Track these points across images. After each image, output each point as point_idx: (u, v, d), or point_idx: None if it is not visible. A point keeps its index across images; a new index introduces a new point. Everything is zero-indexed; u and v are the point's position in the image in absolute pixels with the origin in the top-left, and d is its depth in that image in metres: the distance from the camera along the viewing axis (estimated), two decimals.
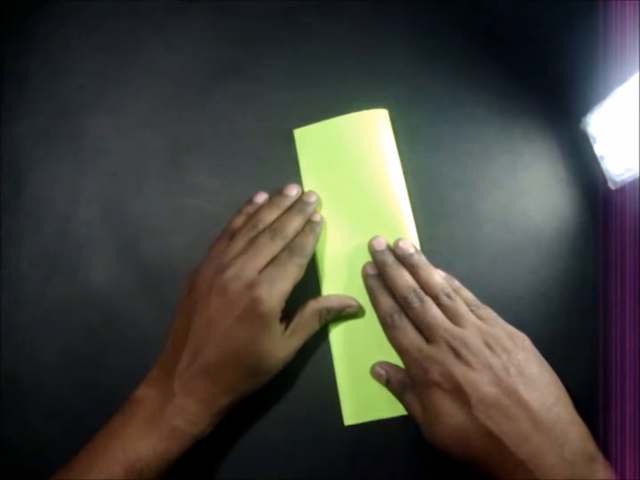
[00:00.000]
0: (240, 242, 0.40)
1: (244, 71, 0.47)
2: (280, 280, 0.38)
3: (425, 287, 0.39)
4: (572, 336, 0.43)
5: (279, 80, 0.47)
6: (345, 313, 0.42)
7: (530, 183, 0.45)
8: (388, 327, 0.39)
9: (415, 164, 0.45)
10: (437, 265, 0.43)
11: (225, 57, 0.47)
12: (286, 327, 0.39)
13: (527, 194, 0.45)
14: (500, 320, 0.39)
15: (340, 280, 0.43)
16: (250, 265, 0.38)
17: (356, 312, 0.42)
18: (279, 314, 0.38)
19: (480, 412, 0.34)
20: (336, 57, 0.47)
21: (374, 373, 0.41)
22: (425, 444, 0.37)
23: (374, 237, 0.42)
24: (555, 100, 0.46)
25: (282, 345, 0.38)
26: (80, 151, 0.46)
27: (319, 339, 0.43)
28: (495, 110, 0.46)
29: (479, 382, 0.35)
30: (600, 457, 0.34)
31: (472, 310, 0.39)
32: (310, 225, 0.42)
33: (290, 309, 0.40)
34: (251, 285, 0.37)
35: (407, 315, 0.39)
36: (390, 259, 0.41)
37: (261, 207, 0.43)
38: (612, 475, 0.34)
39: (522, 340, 0.38)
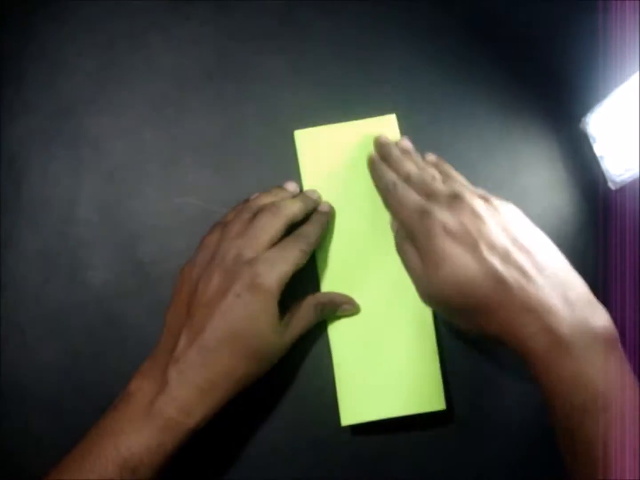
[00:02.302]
0: (236, 226, 0.39)
1: (244, 71, 0.47)
2: (281, 263, 0.37)
3: (424, 174, 0.41)
4: None
5: (279, 80, 0.46)
6: (342, 311, 0.42)
7: (530, 183, 0.45)
8: (390, 190, 0.40)
9: None
10: None
11: (225, 56, 0.47)
12: (283, 318, 0.39)
13: (527, 194, 0.45)
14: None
15: (339, 281, 0.43)
16: (250, 245, 0.37)
17: (354, 312, 0.42)
18: (278, 296, 0.37)
19: (489, 256, 0.35)
20: (336, 57, 0.47)
21: (393, 225, 0.43)
22: (426, 445, 0.37)
23: (381, 135, 0.44)
24: (555, 100, 0.46)
25: (279, 332, 0.38)
26: (80, 151, 0.46)
27: (318, 339, 0.43)
28: (495, 111, 0.46)
29: (486, 228, 0.36)
30: (600, 304, 0.35)
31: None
32: (318, 215, 0.42)
33: (289, 305, 0.40)
34: (252, 264, 0.37)
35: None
36: (396, 151, 0.43)
37: (256, 195, 0.42)
38: (611, 321, 0.34)
39: (514, 207, 0.39)
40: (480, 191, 0.39)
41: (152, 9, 0.48)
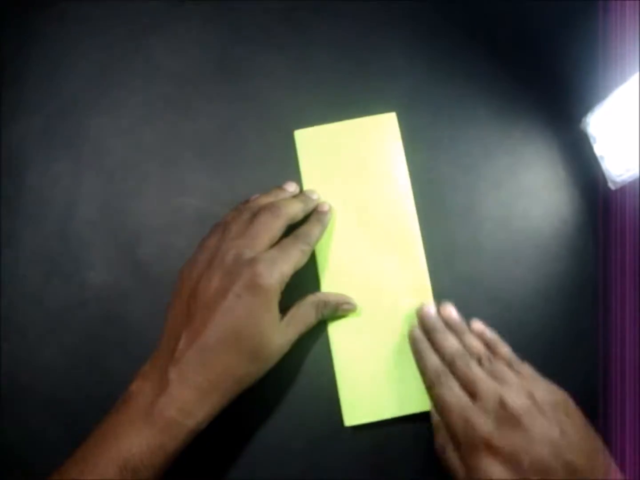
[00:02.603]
0: (236, 226, 0.39)
1: (244, 71, 0.47)
2: (281, 262, 0.37)
3: (468, 351, 0.39)
4: (572, 336, 0.43)
5: (279, 80, 0.46)
6: (342, 310, 0.42)
7: (530, 183, 0.45)
8: (435, 385, 0.38)
9: (415, 165, 0.45)
10: (437, 265, 0.43)
11: (225, 56, 0.47)
12: (283, 318, 0.39)
13: (527, 194, 0.45)
14: (539, 376, 0.38)
15: (339, 281, 0.43)
16: (250, 245, 0.37)
17: (354, 312, 0.42)
18: (278, 295, 0.37)
19: (532, 475, 0.33)
20: (336, 57, 0.47)
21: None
22: (425, 445, 0.37)
23: (425, 305, 0.42)
24: (555, 100, 0.46)
25: (279, 332, 0.38)
26: (80, 151, 0.46)
27: (318, 340, 0.43)
28: (495, 111, 0.46)
29: (530, 443, 0.34)
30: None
31: (511, 367, 0.38)
32: (318, 215, 0.42)
33: (289, 305, 0.40)
34: (251, 264, 0.37)
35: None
36: (439, 324, 0.41)
37: (255, 196, 0.42)
38: None
39: (565, 400, 0.36)
40: (526, 379, 0.37)
41: (152, 9, 0.48)
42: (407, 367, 0.42)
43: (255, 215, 0.39)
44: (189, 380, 0.35)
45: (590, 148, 0.45)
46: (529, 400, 0.35)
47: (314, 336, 0.42)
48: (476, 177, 0.44)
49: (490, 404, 0.35)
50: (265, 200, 0.41)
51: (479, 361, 0.38)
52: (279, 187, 0.43)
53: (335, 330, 0.42)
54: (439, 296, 0.43)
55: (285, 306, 0.39)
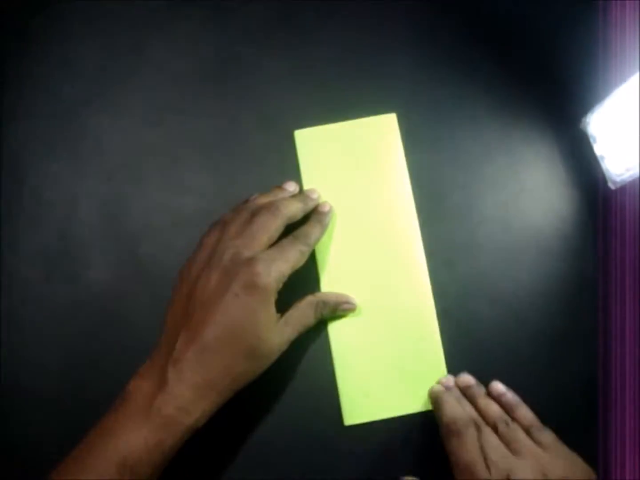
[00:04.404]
0: (235, 225, 0.39)
1: (244, 71, 0.47)
2: (279, 261, 0.37)
3: (484, 416, 0.39)
4: (572, 335, 0.43)
5: (279, 80, 0.46)
6: (342, 309, 0.42)
7: (530, 183, 0.45)
8: (453, 434, 0.37)
9: (415, 165, 0.45)
10: (437, 265, 0.43)
11: (225, 56, 0.47)
12: (282, 317, 0.39)
13: (527, 194, 0.45)
14: (561, 447, 0.37)
15: (339, 281, 0.43)
16: (249, 244, 0.38)
17: (354, 311, 0.42)
18: (275, 294, 0.37)
19: None
20: (336, 57, 0.47)
21: None
22: (426, 445, 0.37)
23: (464, 377, 0.41)
24: (555, 100, 0.46)
25: (277, 330, 0.38)
26: (80, 151, 0.46)
27: (318, 339, 0.43)
28: (495, 111, 0.46)
29: None
30: None
31: (531, 433, 0.37)
32: (318, 216, 0.42)
33: (289, 304, 0.40)
34: (250, 263, 0.37)
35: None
36: (478, 390, 0.40)
37: (255, 196, 0.42)
38: None
39: (582, 476, 0.35)
40: (545, 449, 0.36)
41: (152, 9, 0.48)
42: (407, 367, 0.42)
43: (254, 214, 0.39)
44: (187, 378, 0.35)
45: (590, 148, 0.45)
46: (539, 477, 0.34)
47: (314, 336, 0.42)
48: (476, 177, 0.44)
49: (499, 476, 0.34)
50: (264, 199, 0.41)
51: (495, 427, 0.38)
52: (279, 186, 0.43)
53: (335, 330, 0.42)
54: (439, 296, 0.43)
55: (284, 306, 0.39)
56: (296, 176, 0.45)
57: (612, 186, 0.44)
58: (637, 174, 0.41)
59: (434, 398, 0.40)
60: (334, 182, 0.44)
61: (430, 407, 0.41)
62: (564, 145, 0.45)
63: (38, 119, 0.46)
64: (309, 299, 0.41)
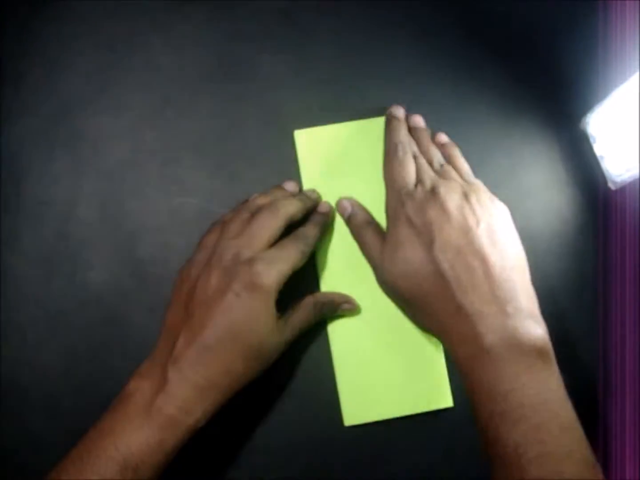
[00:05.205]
0: (235, 225, 0.39)
1: (244, 71, 0.47)
2: (279, 261, 0.38)
3: (424, 154, 0.42)
4: (572, 336, 0.43)
5: (279, 80, 0.46)
6: (342, 309, 0.42)
7: (530, 183, 0.45)
8: (392, 155, 0.41)
9: None
10: None
11: (225, 56, 0.47)
12: (282, 317, 0.39)
13: (527, 194, 0.45)
14: (487, 192, 0.40)
15: (339, 281, 0.43)
16: (249, 244, 0.38)
17: (354, 311, 0.42)
18: (276, 294, 0.37)
19: (440, 253, 0.36)
20: (336, 57, 0.47)
21: (339, 207, 0.43)
22: (426, 445, 0.37)
23: (414, 117, 0.44)
24: (555, 100, 0.46)
25: (277, 330, 0.38)
26: (80, 151, 0.46)
27: (319, 339, 0.43)
28: (495, 111, 0.46)
29: (448, 227, 0.37)
30: (542, 321, 0.36)
31: (463, 177, 0.41)
32: (317, 216, 0.42)
33: (288, 304, 0.40)
34: (250, 263, 0.37)
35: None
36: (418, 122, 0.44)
37: (255, 195, 0.42)
38: (547, 337, 0.35)
39: (502, 209, 0.39)
40: (471, 185, 0.40)
41: (152, 9, 0.48)
42: (407, 367, 0.42)
43: (254, 214, 0.39)
44: (188, 378, 0.35)
45: (590, 148, 0.45)
46: (462, 198, 0.38)
47: (314, 336, 0.43)
48: (476, 177, 0.44)
49: (423, 193, 0.38)
50: (264, 199, 0.41)
51: (431, 164, 0.41)
52: (279, 186, 0.43)
53: (335, 330, 0.42)
54: None
55: (284, 306, 0.39)
56: (296, 176, 0.45)
57: (612, 186, 0.44)
58: (637, 174, 0.41)
59: (387, 121, 0.44)
60: (334, 182, 0.44)
61: (430, 408, 0.41)
62: (564, 145, 0.45)
63: (37, 119, 0.46)
64: (309, 299, 0.41)
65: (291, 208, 0.40)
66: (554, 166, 0.45)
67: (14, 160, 0.46)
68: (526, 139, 0.46)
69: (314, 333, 0.42)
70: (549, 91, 0.46)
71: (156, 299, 0.43)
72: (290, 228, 0.40)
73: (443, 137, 0.44)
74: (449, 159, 0.43)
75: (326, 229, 0.43)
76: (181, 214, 0.45)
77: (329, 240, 0.44)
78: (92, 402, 0.39)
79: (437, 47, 0.47)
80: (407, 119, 0.44)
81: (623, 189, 0.43)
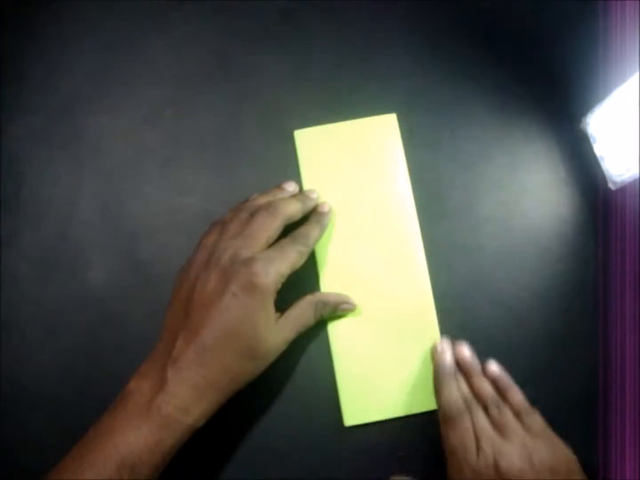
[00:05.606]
0: (234, 225, 0.39)
1: (244, 71, 0.47)
2: (278, 261, 0.37)
3: (477, 396, 0.40)
4: (572, 336, 0.43)
5: (279, 80, 0.46)
6: (341, 310, 0.42)
7: (530, 183, 0.45)
8: (448, 420, 0.39)
9: (415, 164, 0.45)
10: (437, 265, 0.43)
11: (225, 56, 0.47)
12: (281, 316, 0.39)
13: (527, 194, 0.45)
14: (549, 433, 0.38)
15: (339, 281, 0.43)
16: (247, 244, 0.38)
17: (353, 311, 0.42)
18: (274, 294, 0.37)
19: None
20: (336, 57, 0.47)
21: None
22: (426, 445, 0.37)
23: (460, 347, 0.41)
24: (555, 100, 0.46)
25: (276, 330, 0.38)
26: (80, 151, 0.46)
27: (318, 339, 0.43)
28: (495, 111, 0.46)
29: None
30: None
31: (521, 417, 0.38)
32: (317, 216, 0.42)
33: (288, 305, 0.40)
34: (248, 263, 0.37)
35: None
36: (474, 365, 0.41)
37: (255, 196, 0.42)
38: None
39: (567, 464, 0.37)
40: (532, 433, 0.38)
41: (152, 9, 0.48)
42: (407, 367, 0.42)
43: (253, 215, 0.39)
44: (187, 378, 0.35)
45: (590, 148, 0.45)
46: (526, 464, 0.36)
47: (314, 336, 0.43)
48: (476, 177, 0.44)
49: (487, 461, 0.36)
50: (263, 199, 0.41)
51: (485, 408, 0.39)
52: (278, 186, 0.43)
53: (335, 330, 0.42)
54: (439, 296, 0.43)
55: (284, 306, 0.39)
56: (296, 176, 0.45)
57: (612, 186, 0.44)
58: (637, 174, 0.41)
59: (435, 378, 0.41)
60: (334, 182, 0.44)
61: (430, 408, 0.41)
62: (564, 145, 0.45)
63: (38, 119, 0.46)
64: (309, 298, 0.41)
65: (290, 208, 0.40)
66: (554, 166, 0.45)
67: (14, 160, 0.46)
68: (526, 139, 0.46)
69: (314, 333, 0.42)
70: (549, 91, 0.46)
71: (156, 299, 0.42)
72: (290, 228, 0.40)
73: (494, 369, 0.41)
74: (502, 393, 0.40)
75: (326, 229, 0.43)
76: (181, 214, 0.45)
77: (329, 240, 0.44)
78: (92, 402, 0.39)
79: (437, 47, 0.47)
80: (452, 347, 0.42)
81: (623, 189, 0.43)
